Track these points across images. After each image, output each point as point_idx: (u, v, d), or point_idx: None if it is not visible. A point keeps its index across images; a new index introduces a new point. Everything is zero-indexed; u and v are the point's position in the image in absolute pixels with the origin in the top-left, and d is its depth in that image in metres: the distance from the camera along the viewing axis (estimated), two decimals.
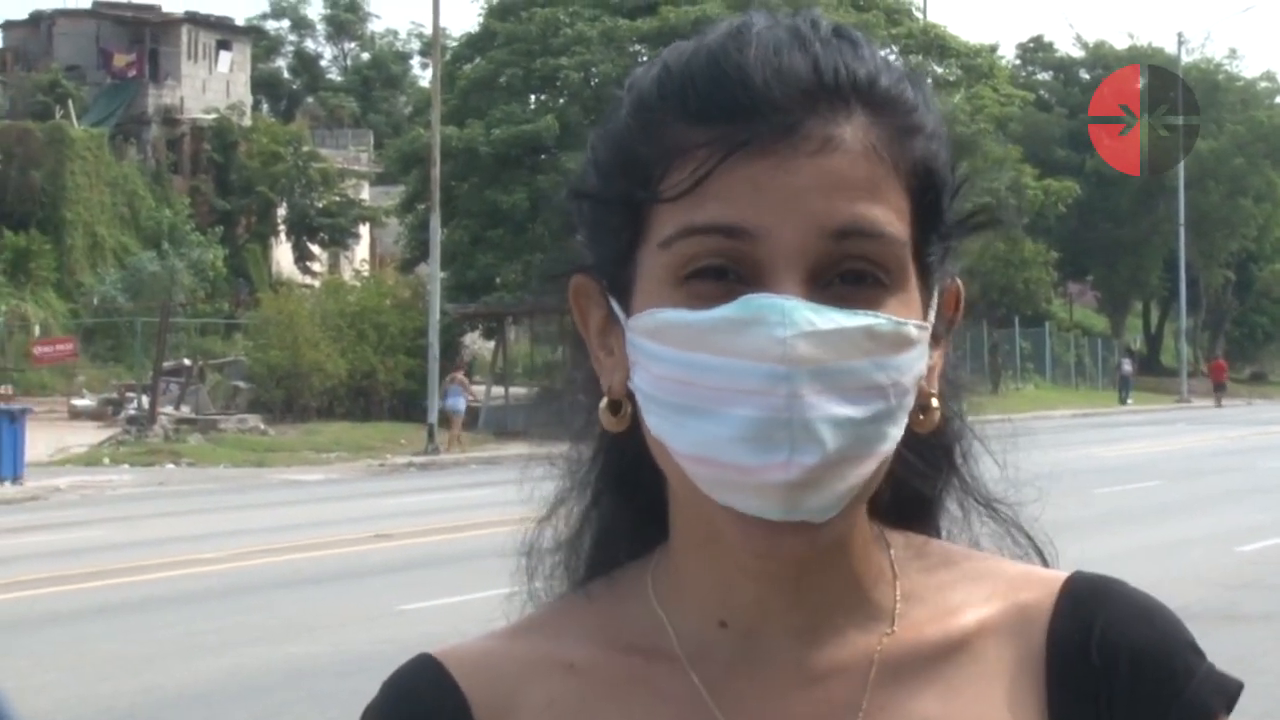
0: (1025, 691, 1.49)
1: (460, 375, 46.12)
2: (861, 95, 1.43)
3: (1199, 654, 1.51)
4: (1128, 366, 76.56)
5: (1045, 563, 1.59)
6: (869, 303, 1.40)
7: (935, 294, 1.47)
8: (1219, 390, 74.61)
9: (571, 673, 1.51)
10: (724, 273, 1.40)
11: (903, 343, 1.40)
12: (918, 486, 1.55)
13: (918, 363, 1.42)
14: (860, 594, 1.49)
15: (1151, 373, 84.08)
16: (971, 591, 1.52)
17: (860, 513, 1.45)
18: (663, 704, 1.48)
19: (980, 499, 1.59)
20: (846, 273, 1.40)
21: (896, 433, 1.41)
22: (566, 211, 1.56)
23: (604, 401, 1.50)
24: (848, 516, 1.41)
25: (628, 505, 1.57)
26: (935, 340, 1.47)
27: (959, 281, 1.51)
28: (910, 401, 1.42)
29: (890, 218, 1.41)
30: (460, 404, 44.60)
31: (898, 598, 1.51)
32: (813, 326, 1.36)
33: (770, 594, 1.47)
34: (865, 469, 1.39)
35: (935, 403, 1.47)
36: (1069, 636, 1.50)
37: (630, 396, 1.47)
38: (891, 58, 1.48)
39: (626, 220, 1.46)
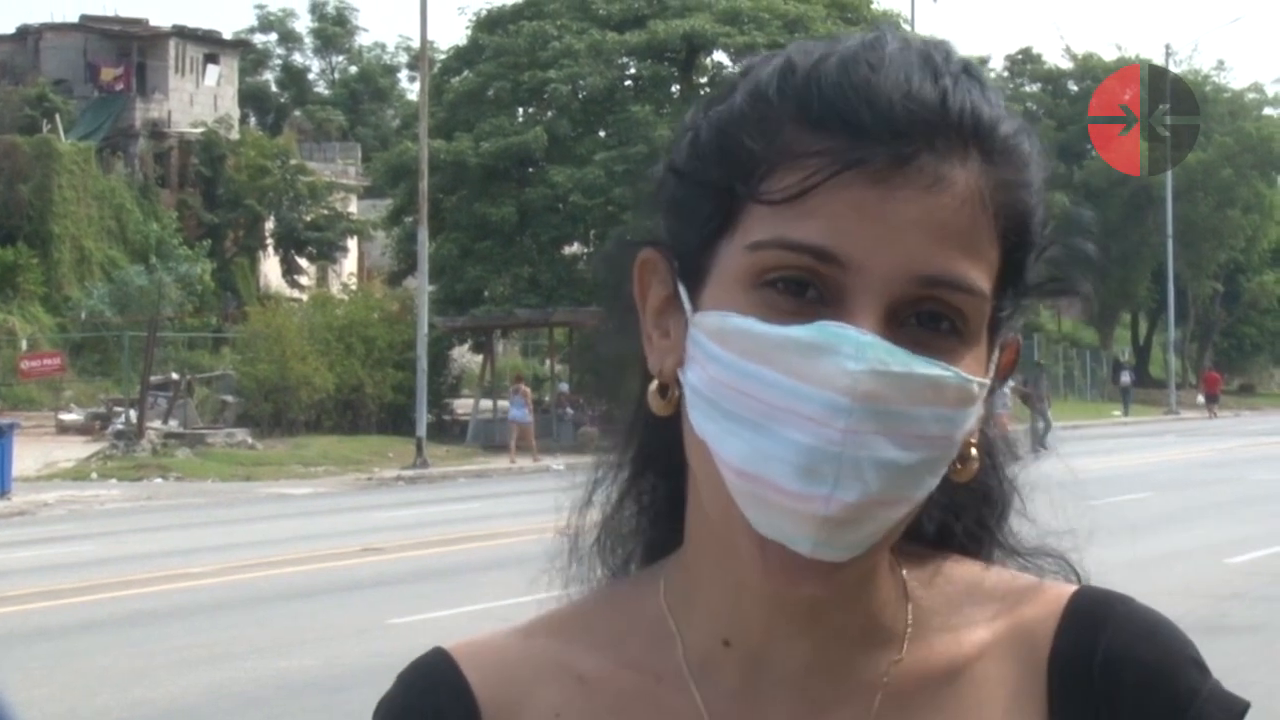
0: (1028, 714, 1.48)
1: (523, 386, 45.95)
2: (981, 139, 1.39)
3: (1204, 672, 1.49)
4: (1127, 378, 76.85)
5: (1071, 576, 1.58)
6: (942, 352, 1.37)
7: (998, 349, 1.45)
8: (1212, 402, 74.71)
9: (581, 685, 1.50)
10: (804, 287, 1.37)
11: (965, 399, 1.38)
12: (948, 525, 1.54)
13: (971, 419, 1.40)
14: (872, 623, 1.48)
15: (1140, 384, 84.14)
16: (979, 609, 1.51)
17: (883, 552, 1.43)
18: None
19: (1018, 552, 1.57)
20: (925, 313, 1.37)
21: (933, 482, 1.39)
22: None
23: (654, 384, 1.47)
24: (870, 557, 1.39)
25: (665, 485, 1.55)
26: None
27: (1019, 338, 1.49)
28: (954, 454, 1.40)
29: (981, 273, 1.38)
30: (524, 415, 44.51)
31: (909, 622, 1.49)
32: (884, 366, 1.33)
33: (779, 619, 1.45)
34: (897, 513, 1.37)
35: (974, 453, 1.44)
36: (1072, 656, 1.48)
37: (679, 382, 1.45)
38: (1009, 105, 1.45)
39: (716, 209, 1.41)
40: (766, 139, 1.39)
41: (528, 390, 45.91)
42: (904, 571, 1.50)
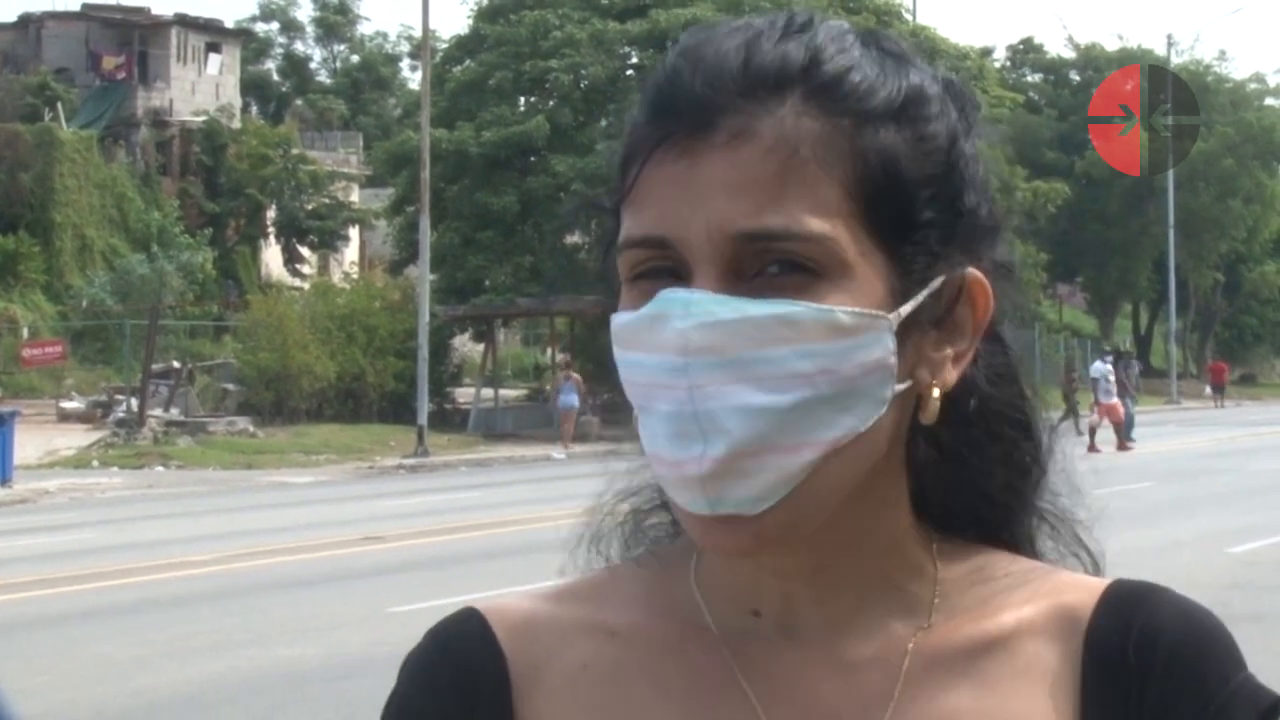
0: (1062, 691, 1.48)
1: (573, 373, 45.90)
2: (793, 83, 1.41)
3: (1238, 663, 1.48)
4: (1136, 368, 76.96)
5: (1098, 573, 1.58)
6: (798, 290, 1.38)
7: (926, 287, 1.43)
8: (1218, 392, 74.75)
9: (611, 638, 1.52)
10: (664, 273, 1.41)
11: (833, 330, 1.37)
12: (976, 492, 1.54)
13: (861, 351, 1.39)
14: (893, 588, 1.49)
15: (1141, 374, 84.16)
16: (1014, 593, 1.51)
17: (827, 499, 1.41)
18: (695, 675, 1.49)
19: (1047, 519, 1.58)
20: (779, 261, 1.38)
21: (851, 421, 1.38)
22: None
23: None
24: (801, 508, 1.39)
25: None
26: (947, 332, 1.45)
27: (977, 275, 1.46)
28: (871, 389, 1.39)
29: (803, 216, 1.38)
30: (574, 400, 44.51)
31: (936, 594, 1.50)
32: (712, 316, 1.36)
33: (794, 588, 1.47)
34: (801, 457, 1.37)
35: (936, 393, 1.45)
36: (1107, 638, 1.48)
37: None
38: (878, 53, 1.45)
39: (612, 225, 1.48)
40: (626, 144, 1.45)
41: (579, 377, 45.82)
42: (934, 547, 1.52)
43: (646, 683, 1.50)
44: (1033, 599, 1.51)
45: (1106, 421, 40.80)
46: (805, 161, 1.39)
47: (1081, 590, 1.52)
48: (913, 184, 1.43)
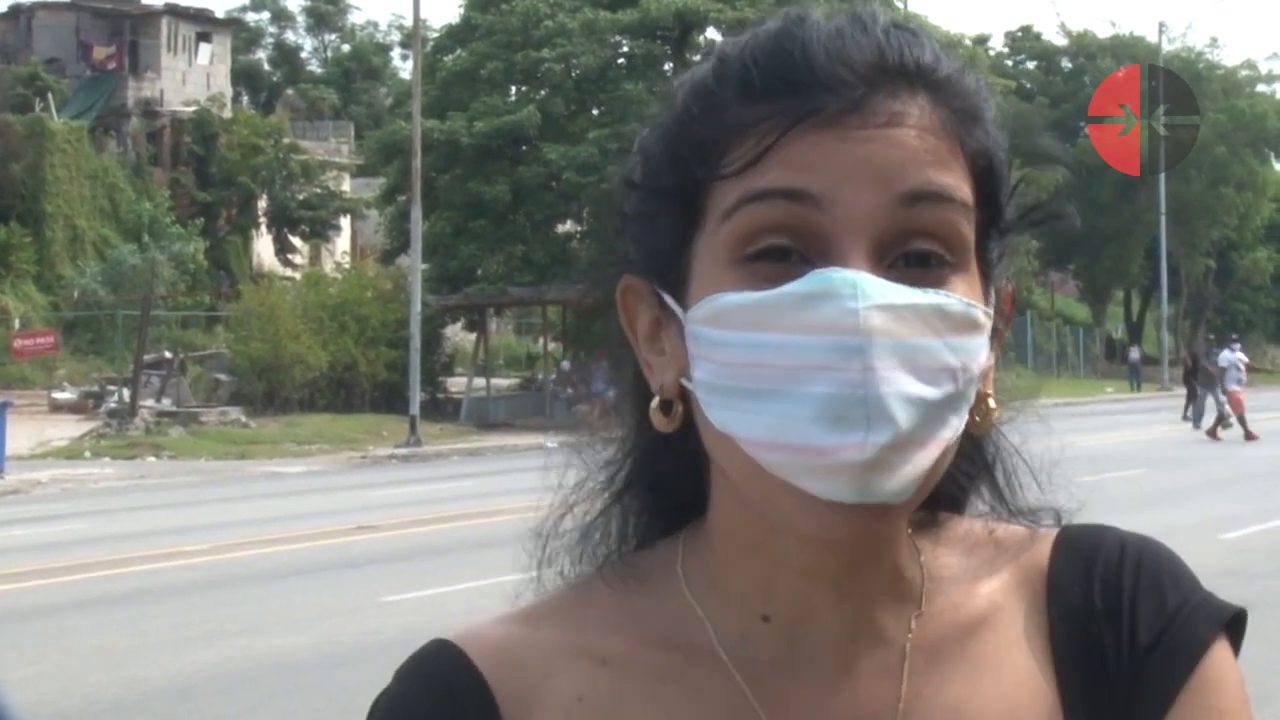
0: (1038, 650, 1.48)
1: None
2: (925, 78, 1.40)
3: (1194, 583, 1.50)
4: (1136, 354, 77.35)
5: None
6: (937, 282, 1.36)
7: (993, 292, 1.44)
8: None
9: (604, 667, 1.46)
10: (786, 254, 1.36)
11: (972, 325, 1.37)
12: (952, 487, 1.53)
13: (983, 351, 1.39)
14: (895, 582, 1.47)
15: (1127, 361, 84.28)
16: (983, 562, 1.51)
17: (920, 500, 1.40)
18: (705, 703, 1.45)
19: (1015, 511, 1.56)
20: (912, 254, 1.36)
21: (959, 423, 1.37)
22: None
23: (655, 401, 1.46)
24: (913, 503, 1.38)
25: (655, 500, 1.54)
26: (992, 338, 1.44)
27: (1012, 283, 1.48)
28: (974, 393, 1.39)
29: (960, 184, 1.39)
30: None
31: (924, 577, 1.49)
32: (886, 300, 1.33)
33: (816, 590, 1.44)
34: (931, 453, 1.35)
35: (993, 404, 1.44)
36: (1069, 587, 1.49)
37: (683, 396, 1.44)
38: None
39: (682, 207, 1.41)
40: (714, 123, 1.40)
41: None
42: (908, 530, 1.49)
43: (655, 714, 1.45)
44: (1001, 565, 1.51)
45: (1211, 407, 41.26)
46: (953, 148, 1.40)
47: (1040, 544, 1.52)
48: (1002, 188, 1.45)
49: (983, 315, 1.38)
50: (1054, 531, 1.53)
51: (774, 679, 1.45)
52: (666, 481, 1.52)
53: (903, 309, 1.33)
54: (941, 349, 1.34)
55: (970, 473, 1.53)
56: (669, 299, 1.43)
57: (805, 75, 1.38)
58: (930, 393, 1.33)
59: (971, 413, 1.40)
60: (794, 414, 1.33)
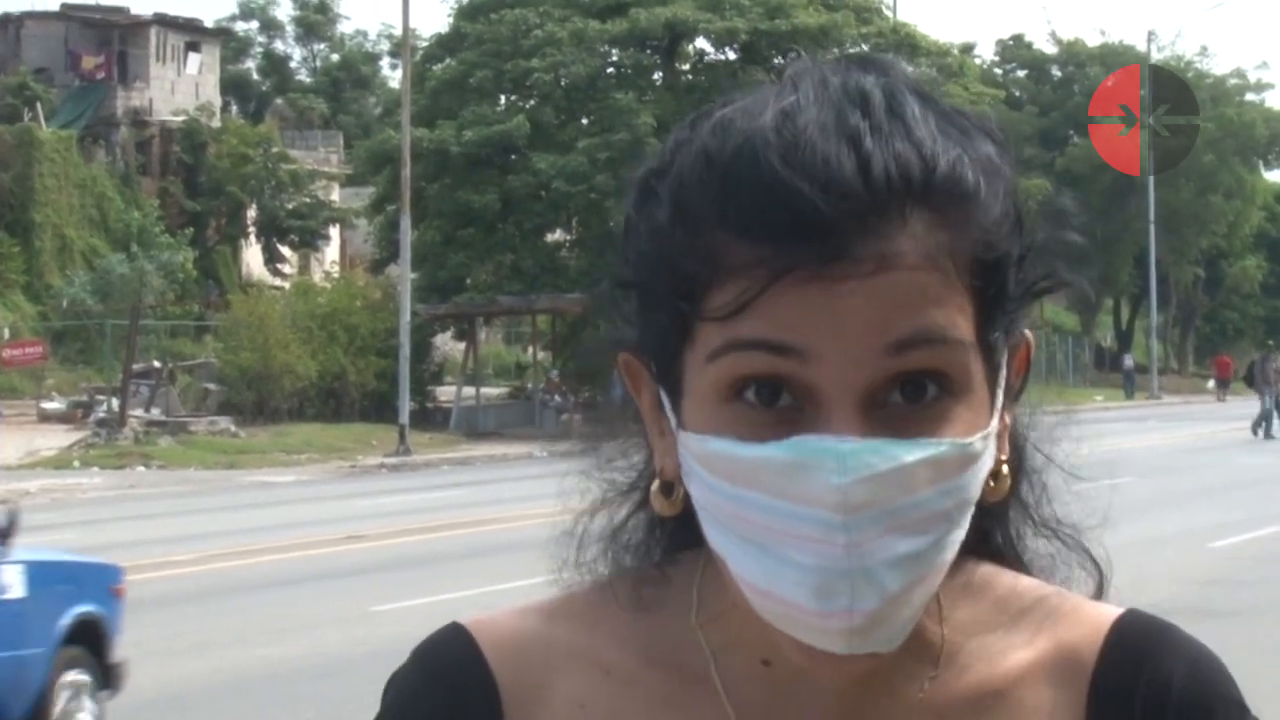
0: None
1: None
2: (918, 192, 1.31)
3: (1243, 710, 1.46)
4: (1129, 362, 77.56)
5: (1102, 582, 1.53)
6: (934, 420, 1.31)
7: (1002, 368, 1.39)
8: (1223, 387, 75.10)
9: (607, 678, 1.45)
10: (776, 393, 1.31)
11: (968, 461, 1.32)
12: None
13: (983, 470, 1.34)
14: (915, 638, 1.39)
15: (1121, 369, 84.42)
16: (1017, 630, 1.46)
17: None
18: None
19: (1039, 520, 1.51)
20: (908, 384, 1.31)
21: (961, 534, 1.34)
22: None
23: (655, 484, 1.43)
24: (910, 627, 1.35)
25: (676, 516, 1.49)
26: (1005, 400, 1.39)
27: (1028, 335, 1.43)
28: (972, 508, 1.35)
29: (954, 321, 1.32)
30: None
31: (944, 636, 1.44)
32: (871, 470, 1.28)
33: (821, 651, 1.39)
34: (930, 588, 1.33)
35: (1005, 470, 1.40)
36: (1115, 685, 1.44)
37: (682, 482, 1.40)
38: (948, 108, 1.38)
39: (672, 322, 1.36)
40: (700, 256, 1.33)
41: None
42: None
43: None
44: (1035, 637, 1.46)
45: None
46: (947, 275, 1.32)
47: (1086, 626, 1.47)
48: (1011, 268, 1.38)
49: (980, 444, 1.33)
50: (1108, 612, 1.48)
51: (768, 717, 1.43)
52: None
53: (888, 474, 1.29)
54: (933, 499, 1.31)
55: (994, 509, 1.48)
56: (666, 402, 1.40)
57: (784, 219, 1.29)
58: (921, 543, 1.31)
59: (985, 483, 1.36)
60: (780, 573, 1.31)
